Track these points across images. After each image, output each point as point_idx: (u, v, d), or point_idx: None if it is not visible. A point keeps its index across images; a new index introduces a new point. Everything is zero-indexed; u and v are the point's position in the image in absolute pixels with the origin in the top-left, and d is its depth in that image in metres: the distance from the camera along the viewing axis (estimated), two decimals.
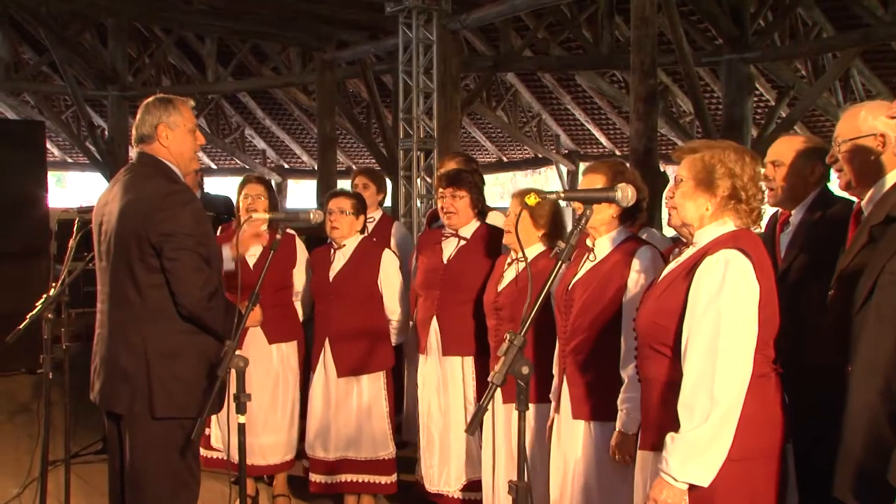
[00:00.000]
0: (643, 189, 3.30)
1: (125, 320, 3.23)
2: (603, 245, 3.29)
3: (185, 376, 3.22)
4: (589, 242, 3.33)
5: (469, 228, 4.46)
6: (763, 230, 3.62)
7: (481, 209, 4.49)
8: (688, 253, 2.63)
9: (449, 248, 4.47)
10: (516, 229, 3.77)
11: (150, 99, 3.40)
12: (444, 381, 4.42)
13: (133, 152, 3.44)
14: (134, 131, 3.37)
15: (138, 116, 3.37)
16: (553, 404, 3.42)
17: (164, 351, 3.20)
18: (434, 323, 4.41)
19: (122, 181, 3.34)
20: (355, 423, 4.65)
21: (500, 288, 3.95)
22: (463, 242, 4.44)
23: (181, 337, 3.23)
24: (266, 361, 4.82)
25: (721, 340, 2.38)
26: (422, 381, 4.53)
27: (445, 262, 4.44)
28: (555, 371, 3.42)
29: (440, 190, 4.49)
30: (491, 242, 4.41)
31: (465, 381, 4.37)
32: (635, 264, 3.16)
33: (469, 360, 4.36)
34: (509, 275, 3.97)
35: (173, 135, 3.35)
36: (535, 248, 3.91)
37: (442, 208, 4.47)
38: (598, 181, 3.23)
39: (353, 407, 4.66)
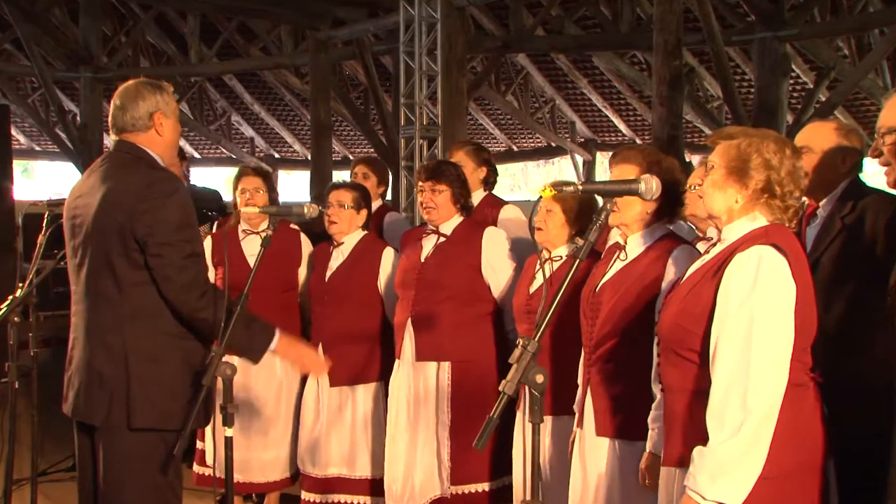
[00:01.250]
0: (681, 180, 3.27)
1: (103, 321, 3.23)
2: (636, 243, 3.26)
3: (167, 383, 3.22)
4: (620, 239, 3.31)
5: (449, 225, 4.47)
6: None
7: (464, 204, 4.49)
8: (715, 250, 2.62)
9: (428, 245, 4.48)
10: (546, 225, 3.78)
11: (138, 83, 3.38)
12: (414, 388, 4.41)
13: (109, 140, 3.44)
14: (118, 117, 3.35)
15: (120, 101, 3.35)
16: (576, 418, 3.41)
17: (145, 354, 3.20)
18: (409, 326, 4.41)
19: (100, 171, 3.34)
20: (350, 438, 4.66)
21: (531, 290, 3.93)
22: (442, 240, 4.45)
23: (164, 339, 3.23)
24: (269, 369, 4.82)
25: (754, 344, 2.37)
26: (392, 391, 4.52)
27: (423, 260, 4.44)
28: (579, 381, 3.40)
29: (419, 183, 4.49)
30: (473, 237, 4.41)
31: (439, 388, 4.36)
32: (671, 265, 3.13)
33: (445, 366, 4.35)
34: (541, 276, 3.95)
35: (168, 123, 3.36)
36: (566, 248, 3.89)
37: (421, 203, 4.49)
38: (629, 171, 3.18)
39: (347, 420, 4.66)
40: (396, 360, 4.49)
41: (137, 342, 3.21)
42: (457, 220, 4.47)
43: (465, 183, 4.51)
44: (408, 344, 4.41)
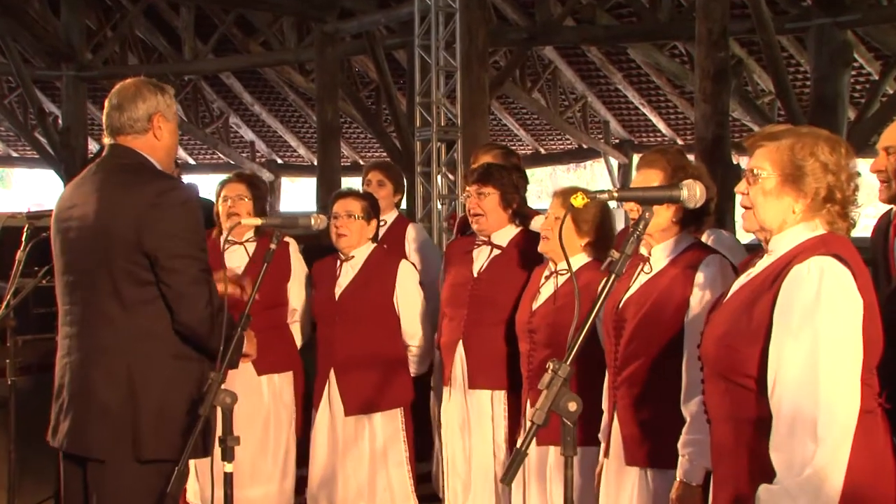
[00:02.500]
0: (710, 186, 3.28)
1: (105, 344, 3.24)
2: (660, 254, 3.27)
3: (178, 411, 3.24)
4: (643, 251, 3.31)
5: (504, 235, 4.48)
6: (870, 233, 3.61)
7: (517, 210, 4.50)
8: (764, 262, 2.61)
9: (480, 258, 4.49)
10: (560, 236, 3.77)
11: (138, 82, 3.41)
12: (468, 419, 4.42)
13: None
14: (114, 117, 3.37)
15: (118, 100, 3.37)
16: (602, 447, 3.41)
17: (152, 379, 3.22)
18: (460, 348, 4.43)
19: (96, 178, 3.36)
20: (368, 472, 4.66)
21: (535, 306, 3.95)
22: (497, 252, 4.45)
23: (174, 363, 3.25)
24: (254, 397, 4.80)
25: (821, 366, 2.36)
26: (445, 421, 4.54)
27: (475, 275, 4.45)
28: (604, 407, 3.41)
29: (466, 188, 4.53)
30: (532, 252, 4.42)
31: (494, 419, 4.38)
32: (699, 277, 3.14)
33: (500, 395, 4.36)
34: (546, 290, 3.97)
35: (168, 127, 3.39)
36: (576, 260, 3.92)
37: (469, 210, 4.50)
38: (653, 177, 3.22)
39: (364, 451, 4.67)
40: (445, 387, 4.52)
41: (145, 367, 3.23)
42: (511, 230, 4.49)
43: (518, 187, 4.53)
44: (459, 368, 4.43)
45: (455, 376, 4.45)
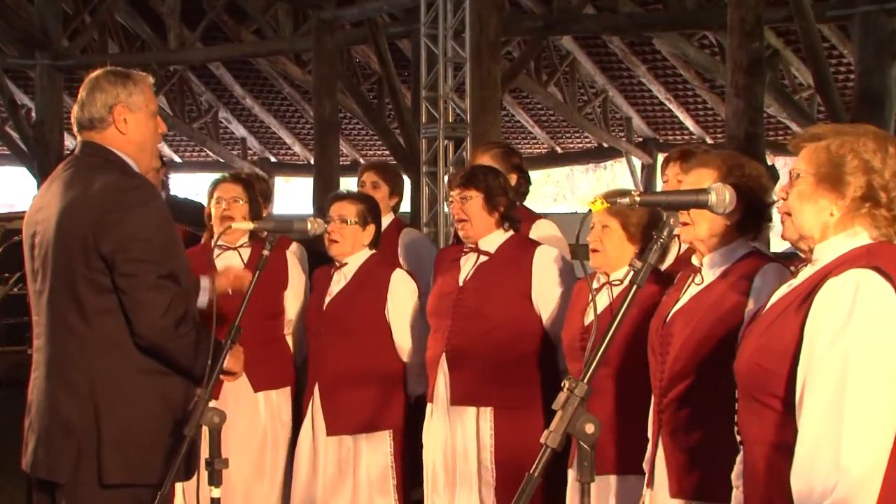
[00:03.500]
0: (769, 188, 3.27)
1: (67, 357, 3.26)
2: (712, 263, 3.25)
3: (144, 429, 3.25)
4: (695, 260, 3.31)
5: (492, 240, 4.49)
6: None
7: (505, 213, 4.51)
8: (805, 274, 2.60)
9: (467, 266, 4.51)
10: (603, 244, 3.80)
11: (101, 71, 3.43)
12: (451, 439, 4.43)
13: (71, 140, 3.50)
14: (77, 113, 3.41)
15: (84, 93, 3.40)
16: (646, 477, 3.39)
17: (117, 395, 3.24)
18: (443, 362, 4.44)
19: (62, 178, 3.38)
20: (352, 499, 4.68)
21: (587, 322, 3.91)
22: (484, 259, 4.47)
23: (140, 378, 3.26)
24: (250, 415, 4.83)
25: (849, 390, 2.34)
26: (427, 442, 4.54)
27: (461, 284, 4.47)
28: (649, 432, 3.39)
29: (450, 193, 4.55)
30: (522, 256, 4.44)
31: (479, 439, 4.37)
32: (756, 288, 3.11)
33: (486, 413, 4.37)
34: (601, 303, 3.92)
35: (133, 119, 3.40)
36: (626, 271, 3.88)
37: (453, 216, 4.55)
38: (705, 177, 3.15)
39: (347, 477, 4.68)
40: (429, 404, 4.52)
41: (108, 382, 3.24)
42: (500, 235, 4.50)
43: (506, 189, 4.54)
44: (441, 384, 4.44)
45: (438, 393, 4.45)
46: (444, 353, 4.43)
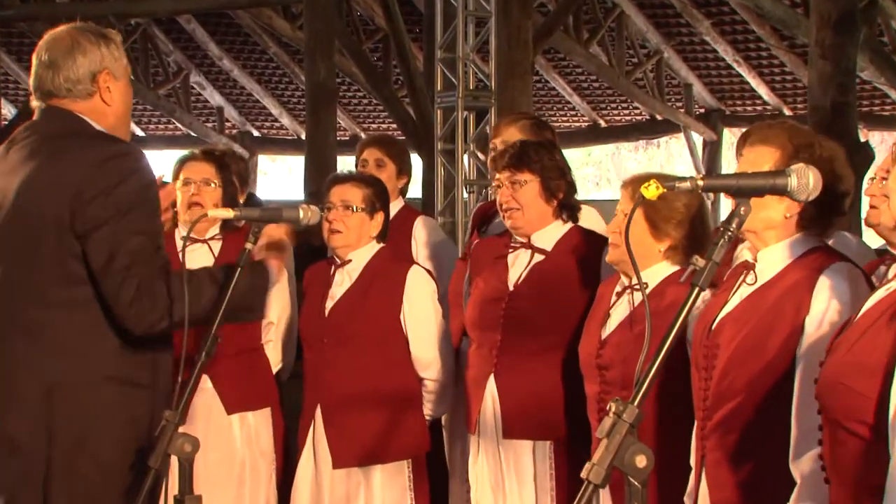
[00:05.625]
0: (846, 174, 3.25)
1: (16, 358, 3.28)
2: (771, 260, 3.24)
3: (102, 453, 3.27)
4: (747, 255, 3.31)
5: (548, 234, 4.49)
6: None
7: (564, 201, 4.51)
8: None
9: (518, 266, 4.50)
10: (627, 239, 3.78)
11: (74, 30, 3.42)
12: (502, 479, 4.43)
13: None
14: (45, 77, 3.39)
15: (49, 56, 3.38)
16: None
17: (77, 407, 3.25)
18: (491, 386, 4.44)
19: (22, 147, 3.38)
20: None
21: (604, 334, 3.94)
22: (540, 258, 4.47)
23: (105, 386, 3.28)
24: (223, 442, 4.83)
25: None
26: (475, 481, 4.55)
27: (512, 287, 4.46)
28: (691, 462, 3.41)
29: (496, 175, 4.54)
30: (588, 257, 4.42)
31: (537, 478, 4.38)
32: (820, 290, 3.10)
33: (544, 448, 4.38)
34: (619, 313, 3.95)
35: (118, 88, 3.43)
36: (657, 270, 3.90)
37: (500, 204, 4.52)
38: (766, 157, 3.16)
39: None
40: (471, 436, 4.54)
41: (68, 392, 3.25)
42: (558, 228, 4.50)
43: (565, 171, 4.53)
44: (489, 411, 4.44)
45: (485, 422, 4.46)
46: (492, 375, 4.43)
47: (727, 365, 3.21)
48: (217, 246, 4.88)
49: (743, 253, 3.44)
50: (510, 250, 4.54)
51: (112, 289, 3.22)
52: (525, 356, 4.39)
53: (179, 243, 4.76)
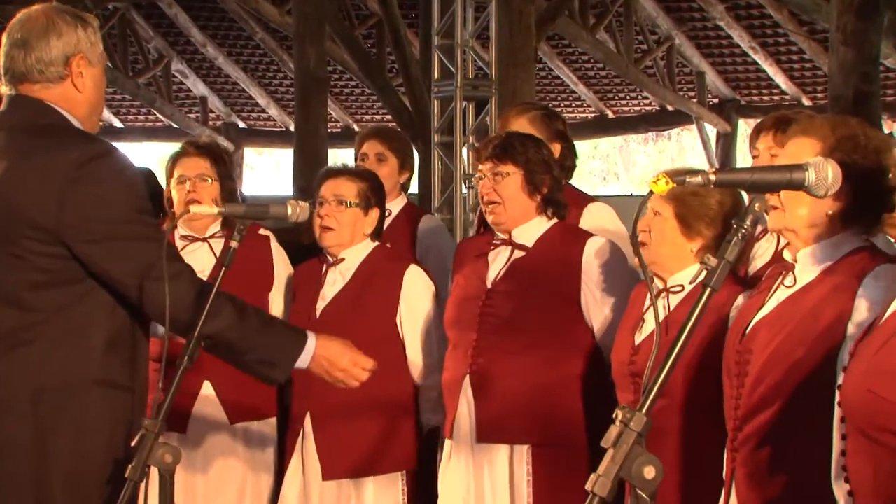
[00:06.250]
0: (890, 167, 3.23)
1: (2, 367, 3.28)
2: (810, 261, 3.22)
3: (97, 458, 3.28)
4: (787, 256, 3.30)
5: (530, 230, 4.49)
6: None
7: (549, 196, 4.51)
8: None
9: (497, 263, 4.51)
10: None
11: (48, 10, 3.41)
12: (475, 486, 4.43)
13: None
14: (16, 58, 3.37)
15: (21, 35, 3.36)
16: None
17: (66, 414, 3.26)
18: (466, 387, 4.44)
19: None
20: None
21: (638, 340, 3.93)
22: (520, 254, 4.47)
23: (94, 393, 3.29)
24: (226, 454, 4.84)
25: None
26: (444, 489, 4.55)
27: (489, 286, 4.47)
28: (723, 474, 3.39)
29: (478, 167, 4.54)
30: (569, 250, 4.43)
31: (513, 485, 4.37)
32: (865, 296, 3.06)
33: (522, 451, 4.37)
34: (654, 317, 3.94)
35: (92, 74, 3.41)
36: (690, 272, 3.89)
37: (481, 196, 4.52)
38: (807, 149, 3.12)
39: None
40: (447, 441, 4.54)
41: (54, 394, 3.26)
42: (541, 224, 4.50)
43: (551, 165, 4.53)
44: (464, 416, 4.45)
45: (459, 427, 4.46)
46: (467, 376, 4.43)
47: (761, 372, 3.19)
48: (219, 245, 4.88)
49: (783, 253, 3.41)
50: (491, 248, 4.54)
51: (151, 297, 3.26)
52: (502, 356, 4.38)
53: (180, 243, 4.78)
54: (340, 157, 18.03)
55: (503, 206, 4.43)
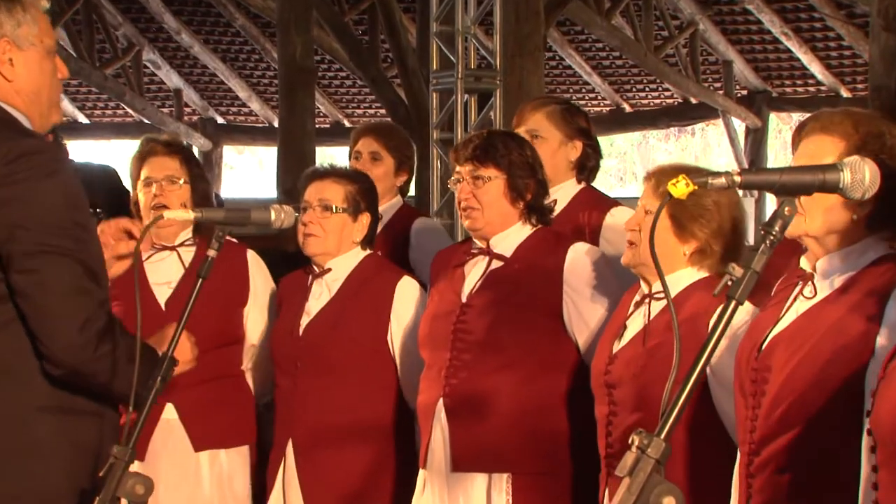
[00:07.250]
0: None
1: None
2: (833, 270, 3.22)
3: (48, 490, 3.29)
4: (805, 264, 3.31)
5: (509, 238, 4.50)
6: None
7: (533, 204, 4.52)
8: None
9: (475, 274, 4.52)
10: (651, 240, 3.77)
11: None
12: None
13: None
14: None
15: None
16: None
17: (13, 445, 3.27)
18: (440, 412, 4.45)
19: None
20: None
21: (615, 349, 3.97)
22: (498, 265, 4.48)
23: (42, 420, 3.29)
24: (190, 485, 4.84)
25: None
26: None
27: (464, 300, 4.48)
28: (733, 502, 3.40)
29: (456, 168, 4.54)
30: (549, 259, 4.44)
31: None
32: (893, 308, 3.08)
33: (501, 481, 4.38)
34: (635, 325, 3.98)
35: (24, 59, 3.40)
36: (681, 276, 3.93)
37: (458, 201, 4.54)
38: (829, 148, 3.13)
39: None
40: (421, 471, 4.54)
41: (1, 426, 3.26)
42: (521, 231, 4.51)
43: (536, 169, 4.53)
44: (438, 442, 4.45)
45: (433, 455, 4.46)
46: (440, 400, 4.44)
47: (780, 392, 3.18)
48: (188, 254, 4.87)
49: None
50: (468, 258, 4.56)
51: (38, 311, 3.22)
52: (477, 377, 4.40)
53: (145, 253, 4.76)
54: (329, 155, 18.07)
55: (481, 211, 4.45)
